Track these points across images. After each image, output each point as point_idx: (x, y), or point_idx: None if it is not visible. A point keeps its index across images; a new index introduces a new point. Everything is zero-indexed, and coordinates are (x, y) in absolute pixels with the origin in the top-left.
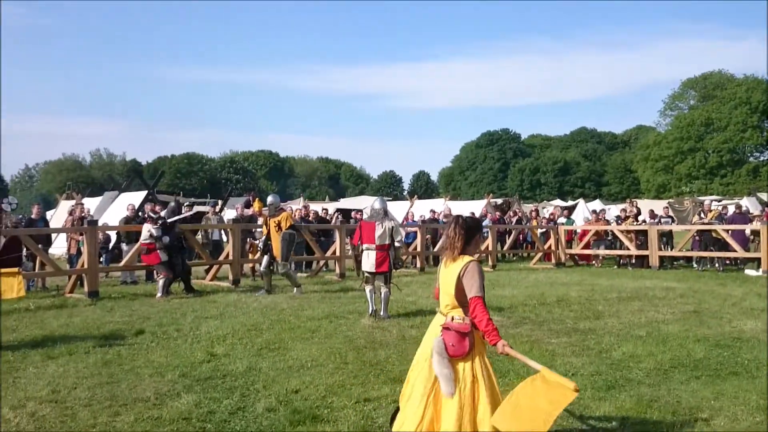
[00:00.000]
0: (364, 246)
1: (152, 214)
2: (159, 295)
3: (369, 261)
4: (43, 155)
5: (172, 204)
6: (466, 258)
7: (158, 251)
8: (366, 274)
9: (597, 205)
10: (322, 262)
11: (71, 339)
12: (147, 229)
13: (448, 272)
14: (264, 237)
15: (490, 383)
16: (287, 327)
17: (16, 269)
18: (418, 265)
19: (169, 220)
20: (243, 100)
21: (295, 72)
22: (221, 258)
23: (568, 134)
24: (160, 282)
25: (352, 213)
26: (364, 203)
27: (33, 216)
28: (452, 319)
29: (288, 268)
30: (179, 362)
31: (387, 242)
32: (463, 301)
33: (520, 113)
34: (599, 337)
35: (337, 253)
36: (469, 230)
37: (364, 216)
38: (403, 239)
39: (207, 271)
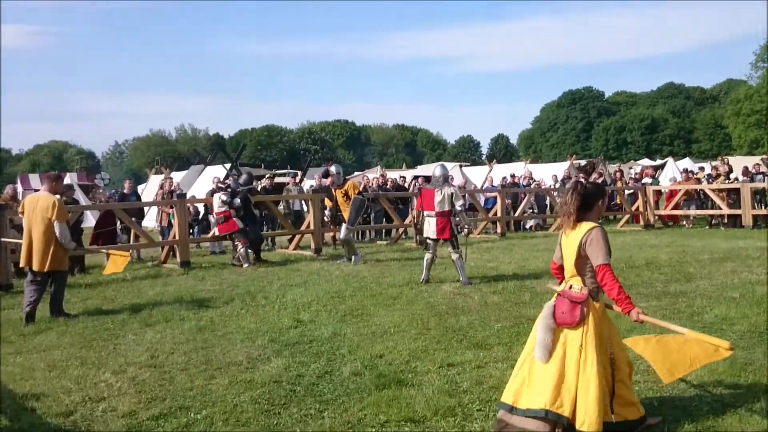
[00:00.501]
0: (425, 213)
1: (220, 185)
2: (246, 265)
3: (430, 228)
4: (132, 132)
5: (245, 176)
6: (587, 225)
7: (234, 219)
8: (428, 241)
9: (686, 163)
10: (401, 230)
11: (166, 307)
12: (217, 198)
13: (569, 241)
14: (332, 207)
15: (601, 357)
16: (369, 294)
17: (127, 254)
18: (499, 230)
19: (238, 189)
20: (319, 71)
21: (370, 41)
22: (303, 228)
23: (655, 90)
24: (241, 251)
25: (419, 180)
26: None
27: (125, 191)
28: (570, 287)
29: (350, 234)
30: (268, 328)
31: (447, 208)
32: (583, 270)
33: (603, 70)
34: (690, 299)
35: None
36: (588, 196)
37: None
38: (465, 205)
39: (290, 241)
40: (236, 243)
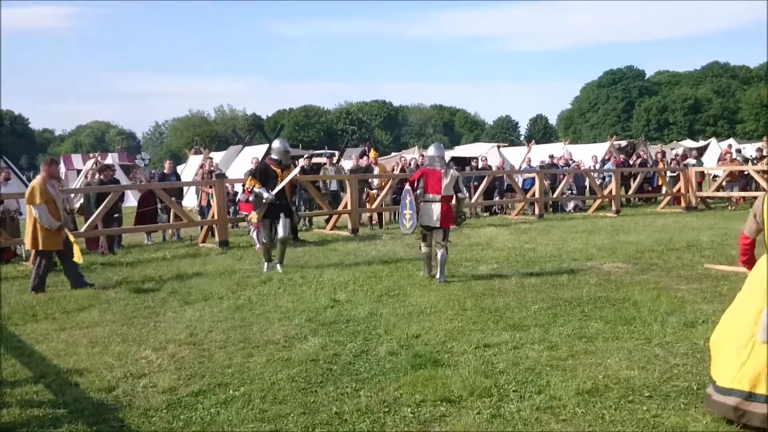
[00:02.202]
0: (427, 196)
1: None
2: (257, 246)
3: (432, 214)
4: (171, 112)
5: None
6: None
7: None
8: (423, 231)
9: (731, 144)
10: None
11: (205, 286)
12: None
13: None
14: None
15: None
16: (405, 274)
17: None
18: (537, 211)
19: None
20: (357, 51)
21: (409, 20)
22: (340, 208)
23: (699, 69)
24: (253, 234)
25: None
26: (479, 150)
27: (165, 171)
28: None
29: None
30: (305, 307)
31: (452, 193)
32: None
33: (644, 49)
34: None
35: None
36: None
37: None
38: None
39: (327, 221)
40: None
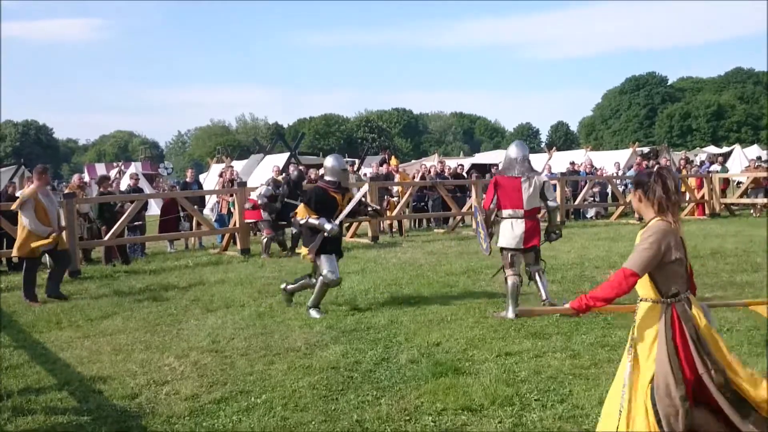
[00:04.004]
0: (506, 213)
1: (276, 179)
2: (263, 255)
3: (514, 234)
4: (194, 122)
5: (296, 172)
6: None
7: (260, 209)
8: (509, 255)
9: (755, 150)
10: (458, 218)
11: (227, 293)
12: (261, 189)
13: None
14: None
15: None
16: (426, 282)
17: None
18: (558, 219)
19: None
20: (376, 60)
21: (429, 30)
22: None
23: (722, 75)
24: (263, 240)
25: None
26: (500, 157)
27: (188, 179)
28: None
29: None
30: (326, 315)
31: (537, 205)
32: None
33: (667, 55)
34: (758, 290)
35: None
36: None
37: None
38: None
39: (347, 229)
40: (261, 232)
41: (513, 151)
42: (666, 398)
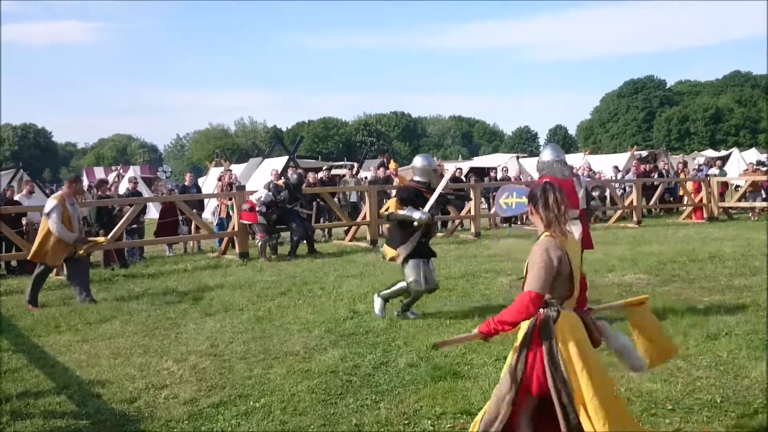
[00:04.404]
0: (572, 213)
1: (277, 184)
2: (261, 259)
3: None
4: (192, 125)
5: (295, 177)
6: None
7: (257, 212)
8: None
9: (753, 154)
10: (457, 222)
11: (226, 297)
12: (261, 193)
13: (575, 254)
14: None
15: None
16: None
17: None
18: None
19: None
20: (374, 63)
21: (426, 33)
22: (359, 219)
23: (720, 79)
24: (259, 244)
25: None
26: (498, 161)
27: (186, 183)
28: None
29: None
30: (324, 319)
31: (585, 206)
32: None
33: (665, 59)
34: (756, 294)
35: (473, 213)
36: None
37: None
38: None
39: (346, 232)
40: (255, 235)
41: (552, 153)
42: (498, 400)
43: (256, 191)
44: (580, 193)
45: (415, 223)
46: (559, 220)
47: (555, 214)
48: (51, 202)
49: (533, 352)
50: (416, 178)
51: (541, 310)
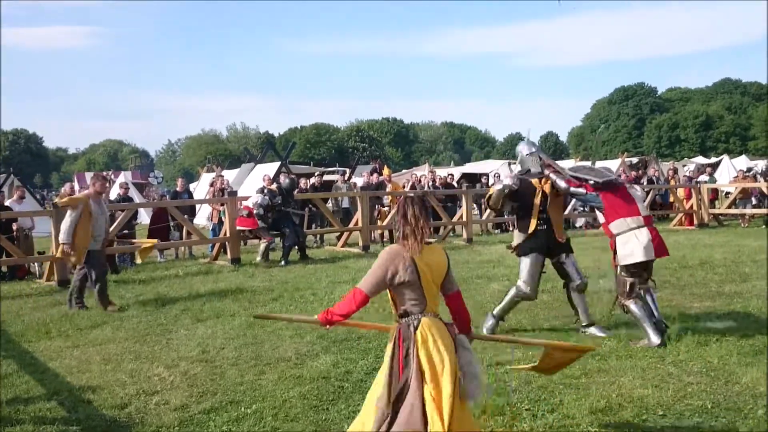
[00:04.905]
0: (630, 221)
1: (270, 189)
2: (259, 258)
3: (639, 244)
4: (184, 131)
5: (288, 181)
6: (437, 246)
7: (255, 217)
8: (628, 276)
9: (743, 160)
10: (449, 227)
11: (217, 303)
12: (256, 198)
13: (432, 264)
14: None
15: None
16: None
17: (153, 240)
18: None
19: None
20: (366, 69)
21: (418, 38)
22: (351, 225)
23: (710, 86)
24: (262, 246)
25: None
26: (490, 167)
27: (178, 188)
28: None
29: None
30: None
31: (649, 213)
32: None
33: (655, 66)
34: (746, 300)
35: (464, 218)
36: (428, 213)
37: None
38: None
39: (338, 238)
40: (260, 239)
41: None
42: (378, 405)
43: (249, 197)
44: (640, 199)
45: (505, 191)
46: (414, 232)
47: (411, 227)
48: (74, 198)
49: (398, 358)
50: (530, 169)
51: (403, 319)
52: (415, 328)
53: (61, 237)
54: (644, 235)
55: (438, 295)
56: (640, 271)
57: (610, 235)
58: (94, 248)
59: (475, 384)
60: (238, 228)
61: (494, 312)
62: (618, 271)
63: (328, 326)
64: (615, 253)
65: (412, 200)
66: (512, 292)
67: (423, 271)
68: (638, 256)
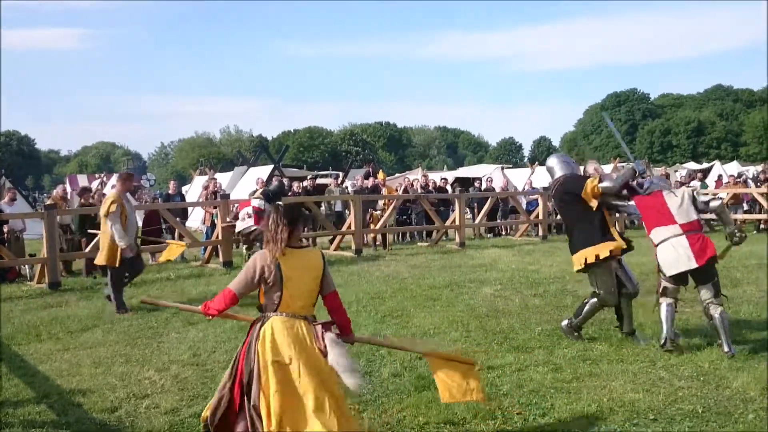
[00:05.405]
0: (666, 230)
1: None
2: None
3: (677, 254)
4: (177, 134)
5: (275, 184)
6: (315, 250)
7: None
8: (666, 282)
9: (734, 166)
10: (442, 231)
11: None
12: (258, 203)
13: (303, 268)
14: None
15: None
16: (409, 295)
17: (183, 243)
18: (540, 233)
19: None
20: (360, 73)
21: (412, 42)
22: (344, 228)
23: (702, 92)
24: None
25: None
26: (483, 171)
27: (170, 191)
28: (314, 318)
29: None
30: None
31: (695, 217)
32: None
33: (648, 72)
34: (737, 305)
35: (457, 222)
36: (293, 220)
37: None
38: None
39: (331, 242)
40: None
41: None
42: (221, 389)
43: (244, 200)
44: (675, 204)
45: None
46: (275, 239)
47: (272, 233)
48: (110, 203)
49: (241, 350)
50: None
51: (261, 314)
52: (262, 325)
53: (121, 244)
54: (681, 244)
55: (307, 296)
56: (682, 280)
57: (653, 243)
58: (126, 255)
59: (347, 375)
60: (252, 229)
61: (573, 321)
62: (660, 279)
63: (208, 317)
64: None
65: (276, 209)
66: (592, 302)
67: (286, 274)
68: (678, 266)
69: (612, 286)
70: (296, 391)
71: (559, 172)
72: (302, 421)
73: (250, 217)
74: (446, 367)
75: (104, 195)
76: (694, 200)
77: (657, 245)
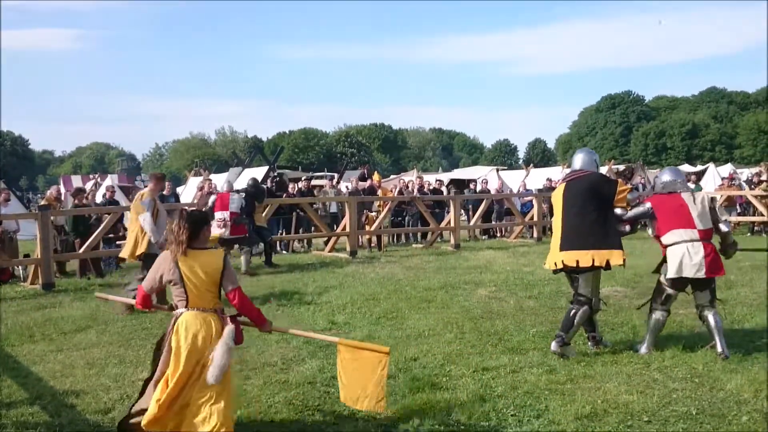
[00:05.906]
0: (673, 236)
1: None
2: (243, 269)
3: (690, 260)
4: (172, 134)
5: (250, 181)
6: (218, 252)
7: (243, 224)
8: (668, 290)
9: (728, 169)
10: (437, 233)
11: None
12: (236, 201)
13: (201, 266)
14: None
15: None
16: (404, 297)
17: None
18: (535, 235)
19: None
20: (355, 74)
21: (408, 45)
22: (339, 230)
23: (697, 95)
24: (243, 258)
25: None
26: (478, 173)
27: (164, 192)
28: (222, 311)
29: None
30: (303, 329)
31: (710, 226)
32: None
33: (643, 74)
34: (731, 307)
35: (452, 224)
36: (196, 223)
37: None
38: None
39: (326, 243)
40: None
41: (667, 176)
42: (146, 382)
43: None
44: (696, 209)
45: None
46: (177, 241)
47: (174, 236)
48: (144, 201)
49: (160, 345)
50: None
51: (174, 312)
52: (176, 320)
53: (153, 239)
54: (698, 250)
55: (210, 293)
56: (683, 286)
57: (662, 246)
58: (153, 251)
59: (213, 368)
60: (229, 238)
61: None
62: (660, 279)
63: (143, 309)
64: (663, 261)
65: (180, 214)
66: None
67: (186, 273)
68: (685, 272)
69: (599, 292)
70: (195, 382)
71: (588, 168)
72: (192, 408)
73: (225, 225)
74: (355, 361)
75: (95, 200)
76: (714, 211)
77: (669, 246)
